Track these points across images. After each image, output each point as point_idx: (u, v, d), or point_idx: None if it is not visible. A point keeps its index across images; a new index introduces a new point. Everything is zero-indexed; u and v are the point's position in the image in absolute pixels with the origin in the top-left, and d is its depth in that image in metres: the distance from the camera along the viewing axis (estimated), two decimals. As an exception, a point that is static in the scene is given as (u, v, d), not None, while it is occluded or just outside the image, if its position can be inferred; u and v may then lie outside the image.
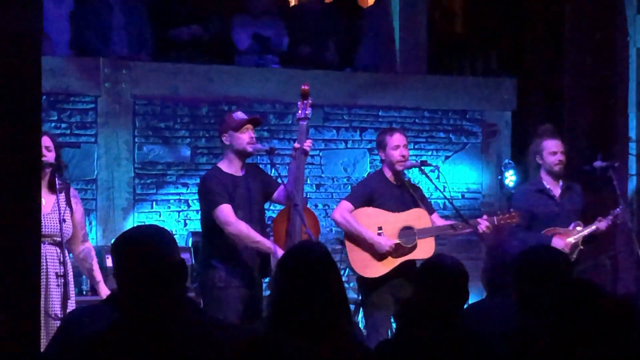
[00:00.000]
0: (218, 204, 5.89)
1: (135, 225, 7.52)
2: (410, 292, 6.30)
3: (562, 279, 3.82)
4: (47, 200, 5.46)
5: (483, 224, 6.50)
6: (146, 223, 7.60)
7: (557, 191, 7.00)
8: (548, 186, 6.99)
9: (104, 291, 5.69)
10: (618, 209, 6.95)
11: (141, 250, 2.97)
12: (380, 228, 6.44)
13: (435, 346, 3.66)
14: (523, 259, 3.99)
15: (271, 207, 6.52)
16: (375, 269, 6.43)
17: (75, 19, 8.15)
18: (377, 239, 6.40)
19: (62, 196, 5.55)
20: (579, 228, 6.88)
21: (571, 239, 6.85)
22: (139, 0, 8.49)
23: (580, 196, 7.09)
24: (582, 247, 6.86)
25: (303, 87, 6.24)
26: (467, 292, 3.89)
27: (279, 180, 6.14)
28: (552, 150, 6.97)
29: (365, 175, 8.02)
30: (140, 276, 2.95)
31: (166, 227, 4.41)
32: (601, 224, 6.91)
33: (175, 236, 4.08)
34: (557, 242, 6.72)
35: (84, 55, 8.03)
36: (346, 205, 6.51)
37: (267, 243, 5.89)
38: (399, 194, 6.55)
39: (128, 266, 2.97)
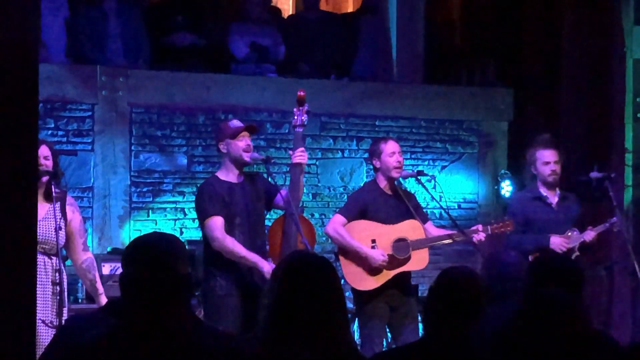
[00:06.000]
0: (207, 217, 5.85)
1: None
2: (406, 302, 6.38)
3: (575, 285, 3.88)
4: (43, 209, 5.44)
5: (478, 234, 6.48)
6: (143, 232, 7.59)
7: (554, 199, 6.99)
8: (545, 194, 6.98)
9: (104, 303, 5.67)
10: (615, 218, 6.94)
11: (151, 258, 2.98)
12: (373, 241, 6.41)
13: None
14: (539, 264, 4.04)
15: (268, 216, 6.50)
16: (370, 282, 6.40)
17: (71, 26, 8.14)
18: (370, 252, 6.36)
19: (57, 205, 5.52)
20: (575, 234, 6.88)
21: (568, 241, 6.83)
22: (136, 8, 8.48)
23: (577, 205, 7.07)
24: (578, 253, 6.84)
25: (299, 94, 6.11)
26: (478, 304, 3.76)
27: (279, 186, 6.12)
28: (545, 160, 6.95)
29: (361, 185, 7.99)
30: (146, 283, 2.95)
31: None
32: (588, 235, 6.87)
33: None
34: (555, 240, 6.74)
35: (80, 63, 8.03)
36: (339, 219, 6.47)
37: (252, 257, 5.80)
38: (393, 204, 6.51)
39: (136, 272, 2.97)
